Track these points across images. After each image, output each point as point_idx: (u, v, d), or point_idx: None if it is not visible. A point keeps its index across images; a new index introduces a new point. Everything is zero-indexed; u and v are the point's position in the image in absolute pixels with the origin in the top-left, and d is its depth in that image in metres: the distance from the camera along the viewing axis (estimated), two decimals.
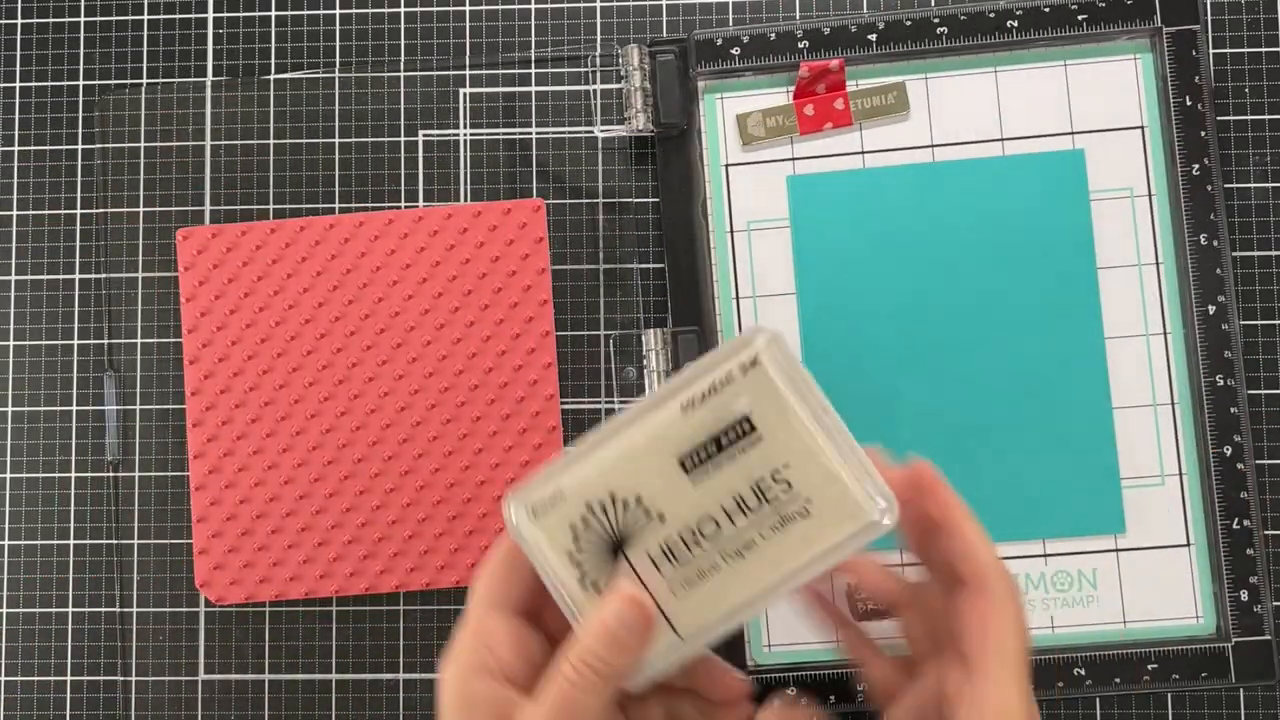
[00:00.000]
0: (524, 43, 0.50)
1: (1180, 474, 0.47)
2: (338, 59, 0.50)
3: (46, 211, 0.50)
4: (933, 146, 0.48)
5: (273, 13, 0.50)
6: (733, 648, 0.46)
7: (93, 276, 0.50)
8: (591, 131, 0.49)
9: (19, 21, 0.51)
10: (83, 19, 0.51)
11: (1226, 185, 0.48)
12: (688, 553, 0.30)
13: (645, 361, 0.48)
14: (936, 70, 0.48)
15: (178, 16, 0.51)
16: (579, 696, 0.29)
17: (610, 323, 0.49)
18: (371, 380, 0.48)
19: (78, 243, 0.50)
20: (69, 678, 0.48)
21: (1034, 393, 0.47)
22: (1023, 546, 0.47)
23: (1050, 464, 0.46)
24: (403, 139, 0.49)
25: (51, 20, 0.51)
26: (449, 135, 0.49)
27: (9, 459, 0.49)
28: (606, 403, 0.48)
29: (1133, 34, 0.48)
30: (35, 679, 0.46)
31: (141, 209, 0.50)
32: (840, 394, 0.47)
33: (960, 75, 0.48)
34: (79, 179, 0.50)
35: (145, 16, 0.51)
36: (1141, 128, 0.48)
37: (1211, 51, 0.48)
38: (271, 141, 0.50)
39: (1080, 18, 0.47)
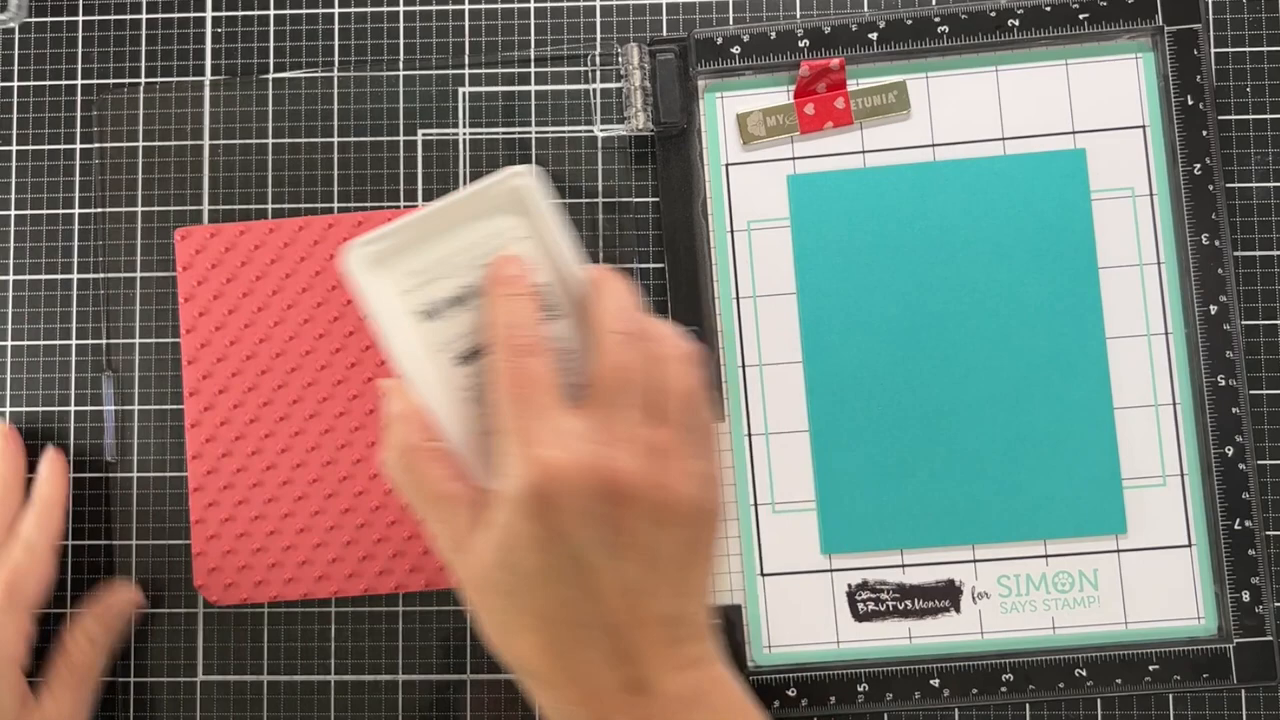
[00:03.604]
0: (524, 42, 0.50)
1: (1182, 474, 0.47)
2: (337, 59, 0.50)
3: (44, 211, 0.50)
4: (933, 146, 0.48)
5: (272, 12, 0.50)
6: (732, 648, 0.46)
7: (90, 276, 0.50)
8: (591, 131, 0.49)
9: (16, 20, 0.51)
10: (80, 18, 0.50)
11: (1228, 185, 0.48)
12: None
13: None
14: (937, 69, 0.48)
15: (176, 15, 0.50)
16: None
17: None
18: (370, 380, 0.48)
19: (75, 242, 0.50)
20: None
21: (1035, 393, 0.46)
22: (1023, 547, 0.47)
23: (1051, 464, 0.46)
24: (402, 138, 0.49)
25: (49, 19, 0.51)
26: (448, 135, 0.49)
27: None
28: None
29: (1134, 33, 0.47)
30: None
31: (139, 209, 0.50)
32: (840, 393, 0.47)
33: (961, 74, 0.48)
34: (77, 178, 0.50)
35: (144, 15, 0.50)
36: (1143, 127, 0.48)
37: (1213, 50, 0.48)
38: (270, 141, 0.50)
39: (1081, 17, 0.47)
